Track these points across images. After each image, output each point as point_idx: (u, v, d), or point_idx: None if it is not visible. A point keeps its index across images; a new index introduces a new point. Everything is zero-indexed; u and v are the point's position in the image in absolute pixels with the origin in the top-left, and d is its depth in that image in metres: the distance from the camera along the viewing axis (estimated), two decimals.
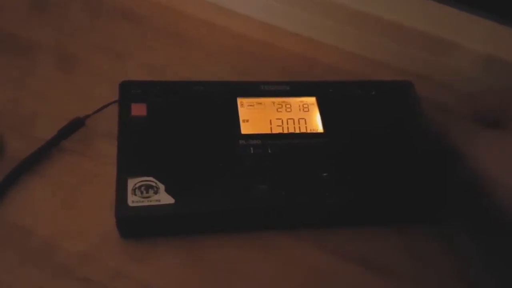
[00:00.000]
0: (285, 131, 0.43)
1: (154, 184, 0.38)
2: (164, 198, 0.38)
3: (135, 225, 0.38)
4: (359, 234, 0.42)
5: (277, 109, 0.44)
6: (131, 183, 0.38)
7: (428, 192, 0.42)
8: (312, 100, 0.45)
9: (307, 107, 0.45)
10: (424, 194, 0.42)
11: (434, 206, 0.42)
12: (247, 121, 0.43)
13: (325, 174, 0.41)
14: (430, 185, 0.42)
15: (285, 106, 0.45)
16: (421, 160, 0.43)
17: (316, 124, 0.44)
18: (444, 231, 0.43)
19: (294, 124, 0.44)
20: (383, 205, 0.42)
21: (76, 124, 0.42)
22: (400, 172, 0.43)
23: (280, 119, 0.44)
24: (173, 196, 0.38)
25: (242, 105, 0.44)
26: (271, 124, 0.43)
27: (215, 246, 0.40)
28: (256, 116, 0.43)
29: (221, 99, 0.44)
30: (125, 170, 0.38)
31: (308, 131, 0.43)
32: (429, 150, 0.44)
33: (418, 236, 0.43)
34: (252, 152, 0.41)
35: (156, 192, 0.38)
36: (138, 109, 0.41)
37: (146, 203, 0.37)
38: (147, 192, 0.38)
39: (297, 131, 0.43)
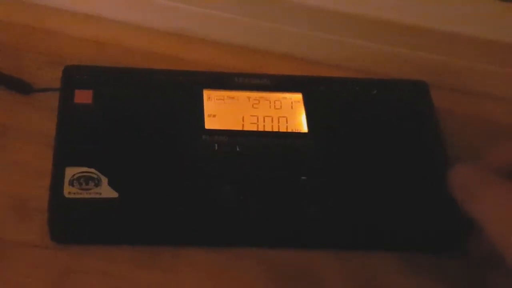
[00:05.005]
0: (260, 129, 0.52)
1: (95, 176, 0.47)
2: (106, 191, 0.46)
3: (70, 222, 0.47)
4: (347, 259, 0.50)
5: (252, 105, 0.53)
6: (69, 173, 0.47)
7: (443, 212, 0.49)
8: (297, 96, 0.55)
9: (291, 104, 0.54)
10: (438, 214, 0.49)
11: (453, 230, 0.50)
12: (214, 116, 0.52)
13: (303, 178, 0.50)
14: (447, 203, 0.49)
15: (263, 102, 0.54)
16: (433, 173, 0.51)
17: (300, 123, 0.53)
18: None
19: (272, 122, 0.53)
20: (378, 221, 0.50)
21: None
22: (405, 185, 0.51)
23: (255, 116, 0.53)
24: (117, 190, 0.47)
25: (209, 98, 0.53)
26: (243, 121, 0.52)
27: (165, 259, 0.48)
28: (226, 111, 0.53)
29: (184, 90, 0.53)
30: (62, 158, 0.47)
31: (289, 130, 0.53)
32: (444, 162, 0.52)
33: (430, 268, 0.50)
34: (216, 149, 0.50)
35: (97, 185, 0.47)
36: (83, 96, 0.51)
37: (84, 195, 0.46)
38: (87, 184, 0.47)
39: (275, 129, 0.52)
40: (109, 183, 0.47)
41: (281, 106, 0.54)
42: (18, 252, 0.47)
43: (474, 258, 0.48)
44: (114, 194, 0.46)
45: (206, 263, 0.48)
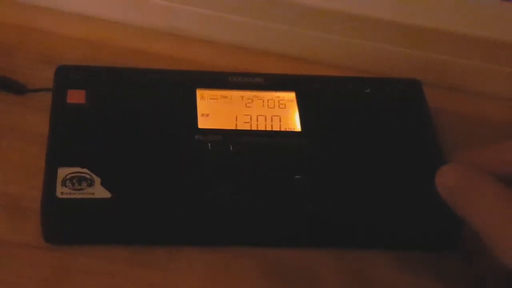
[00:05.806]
0: (254, 128, 0.52)
1: (88, 176, 0.48)
2: (99, 191, 0.47)
3: (63, 222, 0.47)
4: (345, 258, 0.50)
5: (246, 104, 0.54)
6: (62, 173, 0.47)
7: (442, 210, 0.48)
8: (290, 95, 0.55)
9: (284, 104, 0.54)
10: (437, 212, 0.49)
11: (452, 229, 0.50)
12: (207, 115, 0.52)
13: (297, 177, 0.50)
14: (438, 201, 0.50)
15: (257, 101, 0.54)
16: (429, 171, 0.52)
17: (293, 122, 0.53)
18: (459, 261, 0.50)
19: (265, 121, 0.53)
20: (374, 220, 0.50)
21: None
22: (401, 184, 0.51)
23: (248, 115, 0.53)
24: (110, 191, 0.47)
25: (202, 97, 0.53)
26: (236, 120, 0.53)
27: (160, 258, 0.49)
28: (219, 111, 0.53)
29: (177, 89, 0.53)
30: (55, 158, 0.48)
31: (283, 129, 0.53)
32: (440, 161, 0.52)
33: (430, 267, 0.50)
34: (209, 148, 0.51)
35: (90, 185, 0.47)
36: (76, 96, 0.51)
37: (77, 195, 0.46)
38: (80, 184, 0.47)
39: (269, 129, 0.53)
40: (102, 183, 0.47)
41: (274, 105, 0.54)
42: (13, 252, 0.47)
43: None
44: (107, 194, 0.47)
45: (205, 262, 0.48)
